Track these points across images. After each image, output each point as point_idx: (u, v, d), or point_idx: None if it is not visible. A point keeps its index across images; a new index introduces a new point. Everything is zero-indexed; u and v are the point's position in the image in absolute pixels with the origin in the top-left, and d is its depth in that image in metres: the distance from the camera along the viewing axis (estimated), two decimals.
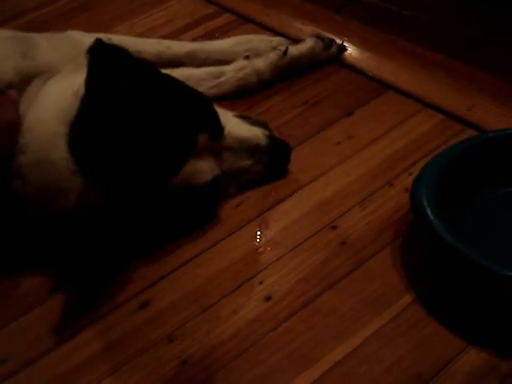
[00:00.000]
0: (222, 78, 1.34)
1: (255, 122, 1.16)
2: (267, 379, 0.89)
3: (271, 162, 1.14)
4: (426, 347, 0.90)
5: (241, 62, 1.36)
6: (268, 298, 0.99)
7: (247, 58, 1.35)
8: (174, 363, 0.93)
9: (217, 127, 1.07)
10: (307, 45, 1.37)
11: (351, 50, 1.41)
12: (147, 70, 1.02)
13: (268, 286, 1.00)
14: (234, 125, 1.11)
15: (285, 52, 1.35)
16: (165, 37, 1.50)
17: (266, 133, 1.14)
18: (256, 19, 1.54)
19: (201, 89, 1.31)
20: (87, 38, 1.26)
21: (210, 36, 1.48)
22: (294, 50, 1.36)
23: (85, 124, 0.95)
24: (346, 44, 1.41)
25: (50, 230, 1.03)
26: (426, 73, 1.33)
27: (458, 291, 0.95)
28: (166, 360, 0.93)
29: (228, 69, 1.35)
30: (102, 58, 0.94)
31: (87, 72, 0.93)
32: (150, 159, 0.96)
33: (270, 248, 1.06)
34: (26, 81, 1.05)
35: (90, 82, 0.93)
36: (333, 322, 0.95)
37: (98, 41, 0.95)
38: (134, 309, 1.00)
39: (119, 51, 0.99)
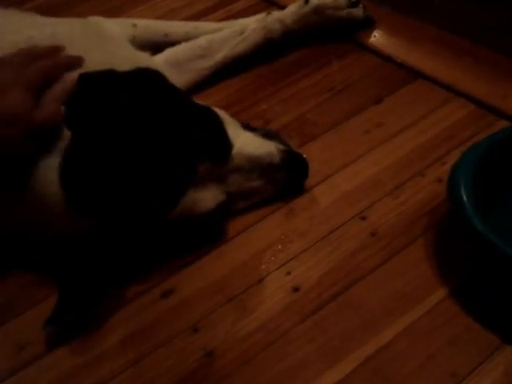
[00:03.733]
0: (246, 33, 1.32)
1: (268, 134, 1.06)
2: (296, 372, 0.86)
3: (286, 180, 1.05)
4: (460, 344, 0.87)
5: (262, 15, 1.35)
6: (296, 289, 0.95)
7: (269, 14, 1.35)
8: (198, 354, 0.90)
9: (222, 152, 0.98)
10: None
11: (379, 36, 1.38)
12: (146, 95, 0.95)
13: (296, 277, 0.97)
14: (244, 141, 1.02)
15: (306, 1, 1.34)
16: (184, 20, 1.47)
17: (281, 147, 1.04)
18: (279, 2, 1.50)
19: (226, 49, 1.30)
20: (110, 24, 1.24)
21: (231, 19, 1.44)
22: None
23: (75, 157, 0.92)
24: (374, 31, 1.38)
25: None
26: (455, 60, 1.29)
27: (493, 286, 0.92)
28: (190, 351, 0.90)
29: (250, 22, 1.34)
30: (89, 91, 0.91)
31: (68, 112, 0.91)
32: (141, 195, 0.91)
33: (298, 238, 1.02)
34: None
35: (77, 118, 0.91)
36: (363, 315, 0.91)
37: (82, 75, 0.91)
38: (156, 297, 0.97)
39: (110, 79, 0.94)
